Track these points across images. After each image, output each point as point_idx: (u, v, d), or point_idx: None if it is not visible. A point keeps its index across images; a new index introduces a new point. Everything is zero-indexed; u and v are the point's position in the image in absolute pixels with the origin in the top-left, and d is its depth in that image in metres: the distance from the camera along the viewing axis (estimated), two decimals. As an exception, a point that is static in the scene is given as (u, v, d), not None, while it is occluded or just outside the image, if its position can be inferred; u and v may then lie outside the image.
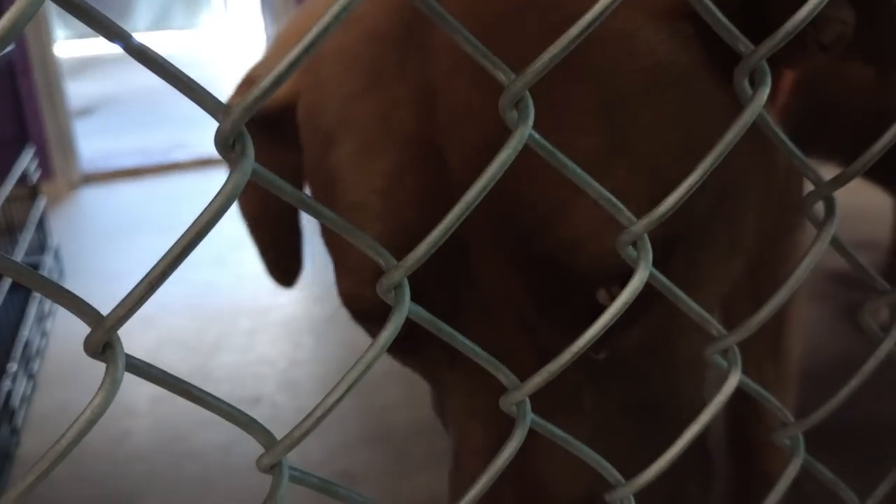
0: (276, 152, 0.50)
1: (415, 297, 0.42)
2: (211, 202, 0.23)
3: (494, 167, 0.26)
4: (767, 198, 0.48)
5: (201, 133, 3.27)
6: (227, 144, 0.23)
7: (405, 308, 0.27)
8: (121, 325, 0.24)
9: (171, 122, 3.69)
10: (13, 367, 1.42)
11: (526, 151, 0.37)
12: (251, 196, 0.61)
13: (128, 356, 0.25)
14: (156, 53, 0.22)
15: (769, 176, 0.47)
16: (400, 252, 0.41)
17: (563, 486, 0.40)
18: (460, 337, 0.29)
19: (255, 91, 0.23)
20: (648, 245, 0.29)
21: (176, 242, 0.23)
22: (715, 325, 0.32)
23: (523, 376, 0.30)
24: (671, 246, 0.39)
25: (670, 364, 0.44)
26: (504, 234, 0.39)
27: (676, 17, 0.40)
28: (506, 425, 0.41)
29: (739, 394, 0.37)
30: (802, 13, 0.28)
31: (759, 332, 0.85)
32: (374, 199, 0.42)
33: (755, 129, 0.30)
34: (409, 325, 0.44)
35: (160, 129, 3.61)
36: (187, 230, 0.23)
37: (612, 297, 0.40)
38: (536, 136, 0.27)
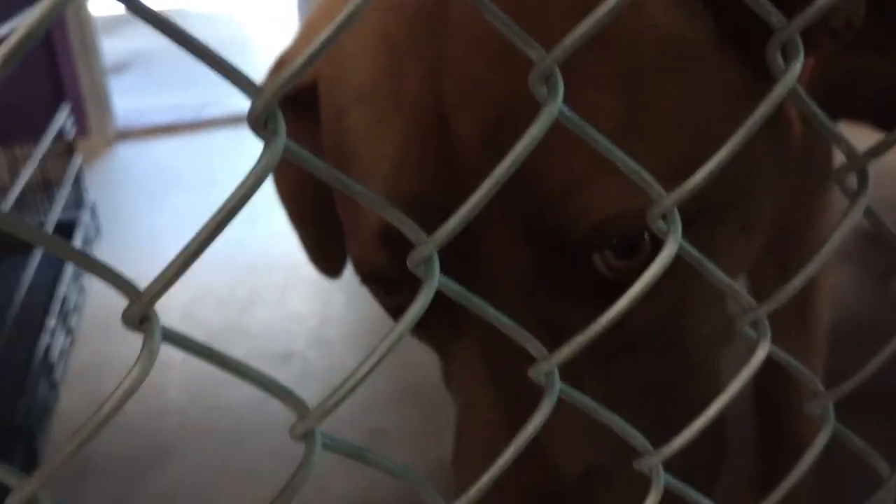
0: (301, 128, 0.52)
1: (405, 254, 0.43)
2: (244, 180, 0.23)
3: (525, 143, 0.26)
4: (787, 166, 0.47)
5: (233, 90, 3.26)
6: (259, 123, 0.23)
7: (435, 281, 0.27)
8: (157, 299, 0.24)
9: (203, 78, 3.69)
10: (51, 322, 1.46)
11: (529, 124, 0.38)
12: (287, 184, 0.62)
13: (164, 328, 0.25)
14: (195, 38, 0.22)
15: (788, 145, 0.47)
16: (412, 218, 0.42)
17: (566, 457, 0.41)
18: (489, 308, 0.30)
19: (286, 73, 0.23)
20: (678, 218, 0.29)
21: (210, 219, 0.23)
22: (744, 297, 0.32)
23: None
24: (692, 219, 0.39)
25: (685, 338, 0.44)
26: (508, 205, 0.40)
27: None
28: (509, 394, 0.42)
29: (767, 363, 0.37)
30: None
31: (787, 301, 0.84)
32: (384, 167, 0.43)
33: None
34: (414, 289, 0.45)
35: (193, 85, 3.62)
36: (221, 207, 0.23)
37: (612, 269, 0.41)
38: (566, 111, 0.27)
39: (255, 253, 1.88)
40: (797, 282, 0.31)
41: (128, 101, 3.33)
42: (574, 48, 0.25)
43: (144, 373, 0.25)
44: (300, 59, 0.22)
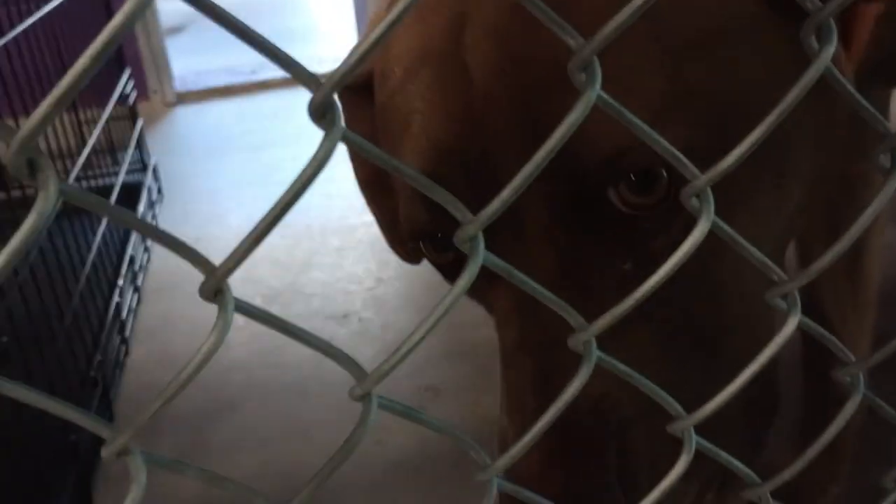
0: (359, 115, 0.56)
1: (447, 213, 0.45)
2: (304, 168, 0.26)
3: (564, 128, 0.28)
4: (833, 122, 0.47)
5: (288, 52, 3.29)
6: (319, 114, 0.26)
7: (479, 258, 0.29)
8: (229, 274, 0.27)
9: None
10: (121, 281, 1.53)
11: (550, 62, 0.39)
12: (364, 174, 0.65)
13: (237, 300, 0.28)
14: (257, 33, 0.24)
15: (829, 124, 0.47)
16: (438, 166, 0.44)
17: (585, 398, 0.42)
18: (531, 282, 0.32)
19: (343, 66, 0.25)
20: (711, 197, 0.30)
21: (274, 205, 0.26)
22: (776, 271, 0.33)
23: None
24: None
25: (721, 298, 0.45)
26: (528, 142, 0.41)
27: None
28: (542, 341, 0.43)
29: (815, 320, 0.37)
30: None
31: (837, 261, 0.84)
32: (416, 119, 0.46)
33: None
34: (454, 253, 0.48)
35: (247, 47, 3.66)
36: (285, 193, 0.26)
37: (627, 203, 0.42)
38: (605, 96, 0.29)
39: (311, 217, 1.92)
40: (825, 259, 0.32)
41: (184, 63, 3.38)
42: (612, 37, 0.27)
43: (219, 341, 0.28)
44: (353, 56, 0.24)
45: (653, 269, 0.42)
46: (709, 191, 0.30)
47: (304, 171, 0.26)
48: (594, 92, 0.28)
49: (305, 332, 0.31)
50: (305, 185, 0.26)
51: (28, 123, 0.23)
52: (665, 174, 0.41)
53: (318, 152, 0.26)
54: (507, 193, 0.28)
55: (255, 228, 0.26)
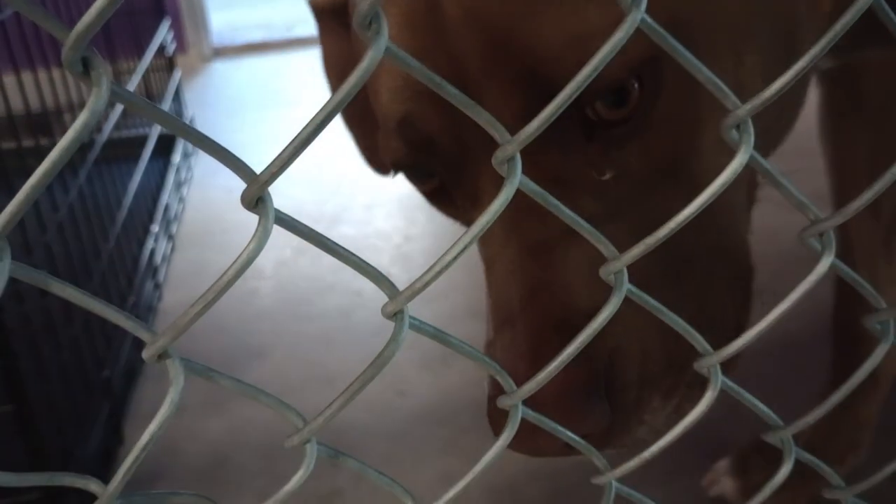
0: (334, 35, 0.60)
1: (431, 144, 0.47)
2: (351, 75, 0.26)
3: (606, 49, 0.28)
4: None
5: (323, 9, 3.30)
6: (364, 24, 0.26)
7: (517, 179, 0.30)
8: (272, 181, 0.28)
9: (293, -4, 3.73)
10: (155, 228, 1.55)
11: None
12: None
13: (277, 211, 0.29)
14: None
15: None
16: (413, 104, 0.46)
17: (578, 293, 0.43)
18: (565, 208, 0.32)
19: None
20: (751, 128, 0.30)
21: (319, 110, 0.26)
22: (812, 209, 0.33)
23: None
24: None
25: (708, 220, 0.45)
26: (500, 64, 0.42)
27: None
28: (527, 250, 0.44)
29: (846, 285, 0.38)
30: None
31: (872, 227, 0.83)
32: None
33: None
34: (435, 173, 0.48)
35: (282, 2, 3.66)
36: (330, 98, 0.26)
37: (601, 117, 0.43)
38: (648, 19, 0.29)
39: (340, 173, 1.93)
40: (863, 199, 0.32)
41: (221, 17, 3.39)
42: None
43: (259, 247, 0.29)
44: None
45: (632, 178, 0.43)
46: (749, 121, 0.30)
47: (349, 79, 0.26)
48: (639, 13, 0.28)
49: (342, 248, 0.31)
50: (350, 93, 0.26)
51: (84, 19, 0.23)
52: (637, 86, 0.42)
53: (362, 62, 0.26)
54: (547, 112, 0.28)
55: (299, 135, 0.27)
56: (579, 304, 0.42)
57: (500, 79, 0.43)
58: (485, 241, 0.48)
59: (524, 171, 0.38)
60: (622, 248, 0.33)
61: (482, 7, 0.42)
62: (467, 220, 0.53)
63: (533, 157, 0.43)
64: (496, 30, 0.42)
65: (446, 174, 0.50)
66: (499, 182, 0.43)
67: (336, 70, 0.67)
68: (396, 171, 0.53)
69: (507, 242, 0.45)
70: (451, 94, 0.29)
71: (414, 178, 0.53)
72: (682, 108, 0.44)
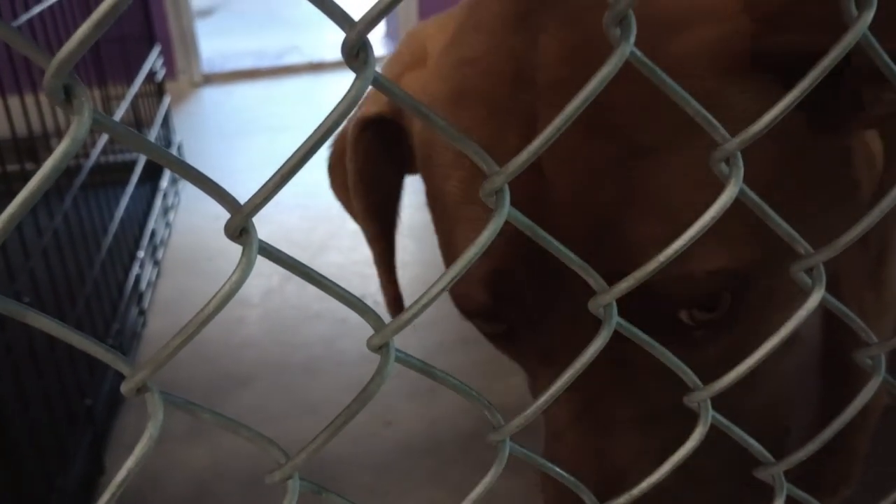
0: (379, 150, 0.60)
1: (514, 299, 0.47)
2: (337, 105, 0.26)
3: (593, 85, 0.28)
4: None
5: (314, 37, 3.33)
6: (352, 53, 0.26)
7: (505, 211, 0.29)
8: (256, 212, 0.27)
9: (285, 25, 3.75)
10: (141, 254, 1.54)
11: (619, 185, 0.42)
12: (340, 181, 0.68)
13: (261, 242, 0.28)
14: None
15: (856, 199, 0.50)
16: (505, 262, 0.47)
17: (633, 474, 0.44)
18: (561, 247, 0.32)
19: (378, 5, 0.25)
20: (740, 162, 0.30)
21: (305, 140, 0.26)
22: (802, 243, 0.33)
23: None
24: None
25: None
26: (597, 253, 0.42)
27: (753, 70, 0.43)
28: (594, 423, 0.47)
29: (835, 319, 0.38)
30: None
31: (860, 259, 0.83)
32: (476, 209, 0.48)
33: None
34: (510, 322, 0.50)
35: (275, 31, 3.67)
36: (316, 130, 0.26)
37: (694, 320, 0.45)
38: (638, 53, 0.28)
39: (328, 200, 1.92)
40: (855, 231, 0.32)
41: (212, 44, 3.41)
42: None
43: (242, 279, 0.28)
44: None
45: (699, 372, 0.43)
46: (738, 155, 0.30)
47: (335, 108, 0.26)
48: (628, 46, 0.28)
49: (327, 280, 0.30)
50: (336, 124, 0.26)
51: (66, 47, 0.23)
52: (729, 295, 0.44)
53: (349, 92, 0.26)
54: (536, 144, 0.28)
55: (283, 167, 0.26)
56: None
57: (595, 264, 0.43)
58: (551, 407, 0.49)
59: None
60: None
61: (590, 199, 0.43)
62: (530, 369, 0.54)
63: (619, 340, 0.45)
64: (597, 224, 0.43)
65: (521, 325, 0.50)
66: (573, 340, 0.45)
67: (361, 186, 0.65)
68: (470, 318, 0.53)
69: (574, 407, 0.47)
70: (442, 127, 0.28)
71: (484, 322, 0.53)
72: (764, 303, 0.46)
